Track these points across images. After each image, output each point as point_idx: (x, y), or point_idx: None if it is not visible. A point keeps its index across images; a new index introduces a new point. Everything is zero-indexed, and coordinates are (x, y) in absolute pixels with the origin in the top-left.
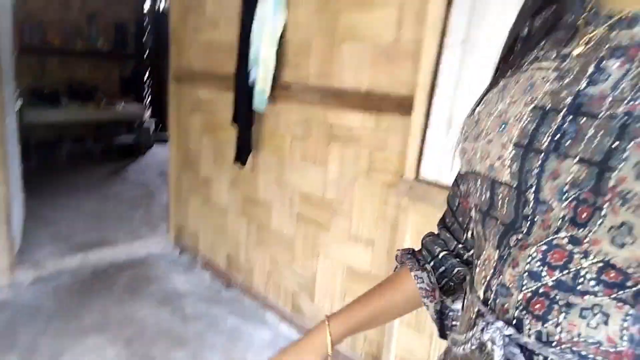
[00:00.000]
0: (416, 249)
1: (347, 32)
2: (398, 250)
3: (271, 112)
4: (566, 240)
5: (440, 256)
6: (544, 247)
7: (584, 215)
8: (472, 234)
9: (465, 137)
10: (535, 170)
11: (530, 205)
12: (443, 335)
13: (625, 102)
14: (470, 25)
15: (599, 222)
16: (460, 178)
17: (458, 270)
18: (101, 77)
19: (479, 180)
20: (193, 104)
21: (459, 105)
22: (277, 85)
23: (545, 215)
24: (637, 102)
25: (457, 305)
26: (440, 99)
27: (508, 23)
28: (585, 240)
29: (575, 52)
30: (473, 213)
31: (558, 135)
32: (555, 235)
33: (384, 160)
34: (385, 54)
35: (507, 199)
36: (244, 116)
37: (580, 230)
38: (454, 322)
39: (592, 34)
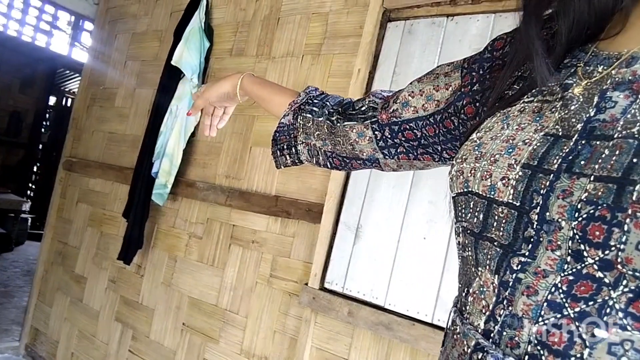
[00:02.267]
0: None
1: (260, 137)
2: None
3: (170, 208)
4: (596, 266)
5: (331, 102)
6: (572, 278)
7: (597, 233)
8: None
9: (464, 159)
10: (543, 190)
11: (534, 226)
12: (274, 138)
13: (639, 123)
14: None
15: (623, 239)
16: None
17: (320, 121)
18: None
19: (472, 201)
20: (81, 194)
21: (367, 215)
22: (180, 181)
23: (552, 236)
24: None
25: (300, 147)
26: (349, 208)
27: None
28: (618, 262)
29: (577, 89)
30: (461, 238)
31: (570, 157)
32: (583, 264)
33: (287, 267)
34: None
35: (504, 220)
36: (138, 209)
37: (607, 251)
38: (286, 146)
39: (592, 72)
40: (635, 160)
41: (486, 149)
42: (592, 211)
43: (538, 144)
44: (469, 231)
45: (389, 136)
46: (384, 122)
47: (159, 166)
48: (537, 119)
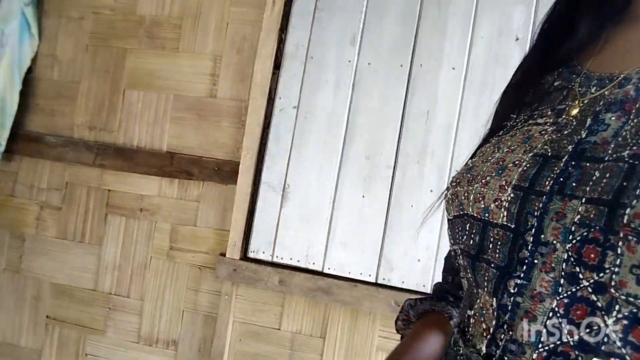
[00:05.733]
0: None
1: (137, 77)
2: (407, 300)
3: (5, 172)
4: (590, 289)
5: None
6: (567, 301)
7: (592, 255)
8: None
9: (457, 183)
10: (537, 212)
11: (529, 248)
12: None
13: (629, 147)
14: (302, 91)
15: (617, 261)
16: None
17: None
18: None
19: (469, 224)
20: None
21: (295, 174)
22: (18, 134)
23: (547, 258)
24: None
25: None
26: (272, 167)
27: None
28: (611, 285)
29: (573, 112)
30: (460, 260)
31: (562, 179)
32: (578, 286)
33: (193, 237)
34: (195, 109)
35: (500, 242)
36: None
37: (601, 273)
38: None
39: (584, 93)
40: (625, 183)
41: (477, 171)
42: (585, 233)
43: (528, 165)
44: (465, 253)
45: None
46: None
47: None
48: (527, 140)
